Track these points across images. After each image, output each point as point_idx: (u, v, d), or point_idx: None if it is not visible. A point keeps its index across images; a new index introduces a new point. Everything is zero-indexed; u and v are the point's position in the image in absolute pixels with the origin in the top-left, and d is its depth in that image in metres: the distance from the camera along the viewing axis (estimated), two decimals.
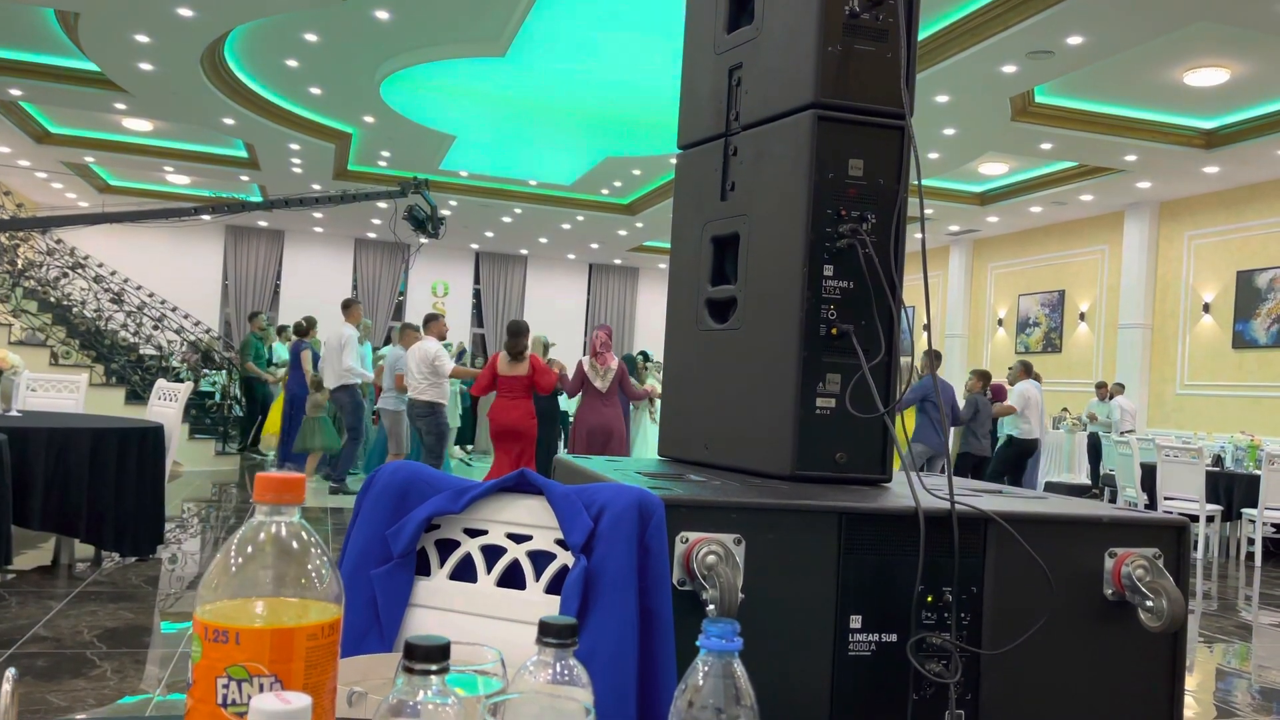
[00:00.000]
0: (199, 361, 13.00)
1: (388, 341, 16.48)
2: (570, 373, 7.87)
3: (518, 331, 7.23)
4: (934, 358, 8.56)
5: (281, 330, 13.44)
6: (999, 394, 10.27)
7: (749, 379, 1.76)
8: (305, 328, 10.24)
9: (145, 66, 9.70)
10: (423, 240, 10.24)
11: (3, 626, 4.05)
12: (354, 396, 9.18)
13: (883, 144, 1.70)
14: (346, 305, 9.56)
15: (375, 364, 10.01)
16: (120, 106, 11.31)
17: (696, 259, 1.94)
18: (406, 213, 10.15)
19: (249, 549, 0.69)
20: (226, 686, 0.66)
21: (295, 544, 0.70)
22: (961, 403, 9.65)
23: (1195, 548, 8.30)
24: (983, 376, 9.67)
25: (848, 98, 1.68)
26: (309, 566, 0.69)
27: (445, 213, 10.32)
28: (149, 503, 5.44)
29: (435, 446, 8.21)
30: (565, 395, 8.77)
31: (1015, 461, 9.92)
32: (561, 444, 10.75)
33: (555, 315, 20.06)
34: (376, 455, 10.05)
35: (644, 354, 11.08)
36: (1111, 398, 12.27)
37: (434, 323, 8.54)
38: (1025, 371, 10.20)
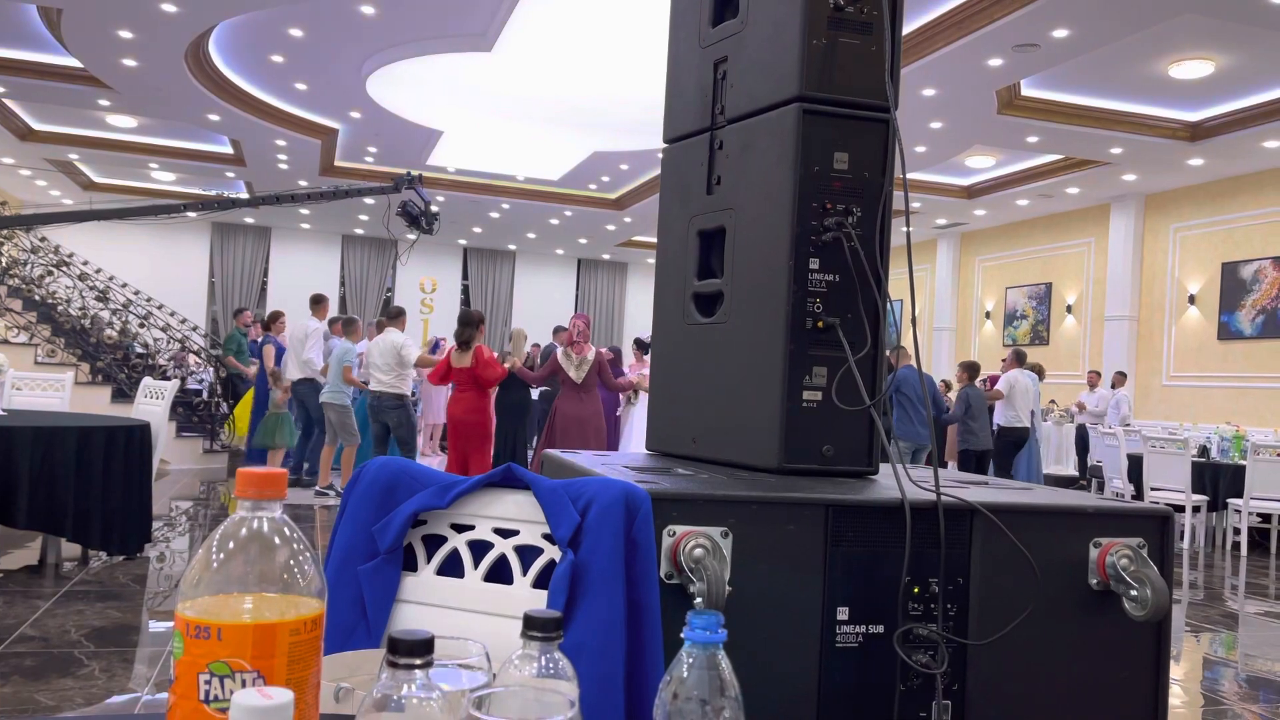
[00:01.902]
0: (185, 358, 12.93)
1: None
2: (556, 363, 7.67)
3: (465, 321, 7.04)
4: (899, 351, 8.34)
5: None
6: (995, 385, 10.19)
7: (736, 372, 1.76)
8: (268, 322, 10.22)
9: (129, 62, 9.63)
10: (410, 236, 10.16)
11: None
12: (316, 389, 9.14)
13: (868, 137, 1.70)
14: (316, 301, 9.60)
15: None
16: (104, 103, 11.23)
17: (683, 253, 1.94)
18: (400, 208, 10.08)
19: (231, 544, 0.69)
20: (209, 682, 0.66)
21: (277, 539, 0.69)
22: (954, 397, 9.59)
23: (1181, 538, 8.35)
24: (969, 368, 9.55)
25: (832, 91, 1.68)
26: (291, 562, 0.69)
27: (435, 208, 10.24)
28: (136, 501, 5.41)
29: (408, 439, 8.01)
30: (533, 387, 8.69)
31: (1004, 452, 9.80)
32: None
33: (544, 310, 20.05)
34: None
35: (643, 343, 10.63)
36: (1114, 387, 12.28)
37: (402, 317, 8.47)
38: (1016, 360, 10.00)
